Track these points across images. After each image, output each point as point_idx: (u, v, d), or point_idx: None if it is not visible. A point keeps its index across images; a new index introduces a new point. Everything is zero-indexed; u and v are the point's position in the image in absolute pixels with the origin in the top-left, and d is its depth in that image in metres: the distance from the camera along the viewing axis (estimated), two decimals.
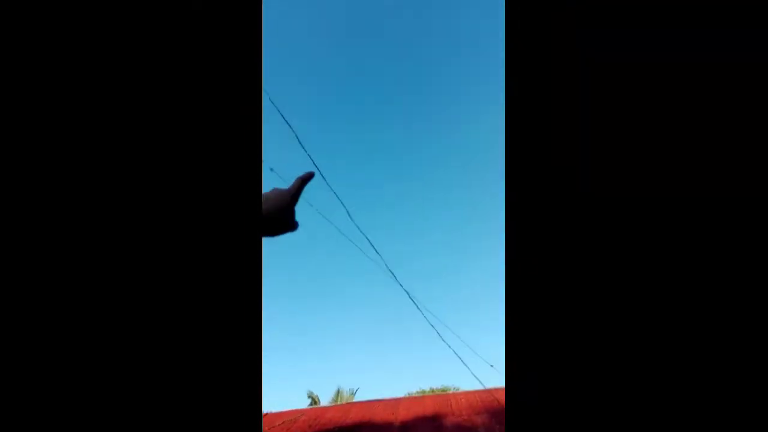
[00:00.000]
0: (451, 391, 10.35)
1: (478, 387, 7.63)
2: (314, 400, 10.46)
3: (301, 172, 0.58)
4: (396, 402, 7.13)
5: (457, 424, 6.32)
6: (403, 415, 6.49)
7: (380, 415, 6.52)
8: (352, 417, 6.43)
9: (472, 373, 11.84)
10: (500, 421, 6.42)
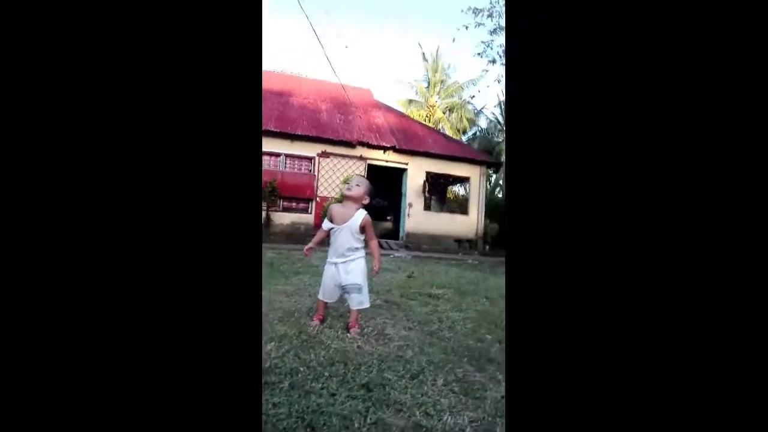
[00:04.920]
0: (303, 77, 10.06)
1: (332, 79, 7.66)
2: None
3: None
4: None
5: (302, 105, 6.73)
6: None
7: None
8: None
9: (328, 61, 11.49)
10: (342, 111, 6.63)
